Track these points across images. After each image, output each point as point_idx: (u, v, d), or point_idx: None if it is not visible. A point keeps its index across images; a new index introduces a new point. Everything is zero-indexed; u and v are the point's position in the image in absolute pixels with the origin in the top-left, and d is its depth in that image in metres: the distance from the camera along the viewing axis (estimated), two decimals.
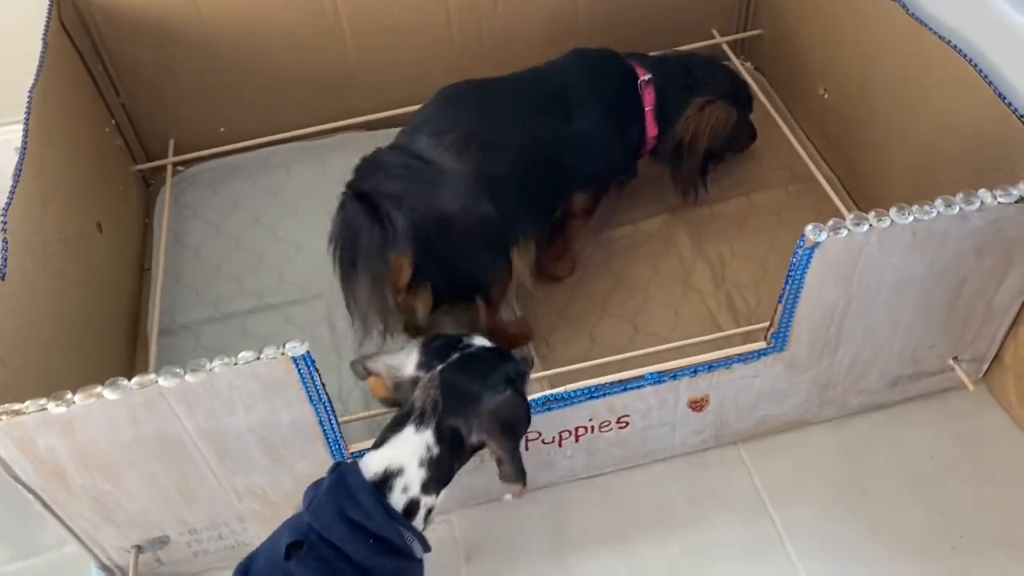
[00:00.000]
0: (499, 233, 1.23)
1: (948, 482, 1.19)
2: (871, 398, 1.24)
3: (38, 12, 1.40)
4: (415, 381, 0.93)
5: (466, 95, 1.31)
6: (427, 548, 0.90)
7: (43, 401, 0.89)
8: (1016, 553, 1.12)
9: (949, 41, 1.19)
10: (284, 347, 0.91)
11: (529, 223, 1.29)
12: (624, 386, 1.08)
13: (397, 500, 0.88)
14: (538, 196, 1.31)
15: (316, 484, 0.90)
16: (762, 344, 1.10)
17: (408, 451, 0.89)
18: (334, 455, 1.05)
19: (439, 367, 0.92)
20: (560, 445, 1.15)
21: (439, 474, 0.89)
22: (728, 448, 1.24)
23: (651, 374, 1.09)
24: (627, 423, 1.15)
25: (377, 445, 0.92)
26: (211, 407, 0.94)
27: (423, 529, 0.90)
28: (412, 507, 0.89)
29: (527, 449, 1.13)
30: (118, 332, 1.41)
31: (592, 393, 1.08)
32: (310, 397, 0.96)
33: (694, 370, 1.10)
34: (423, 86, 1.69)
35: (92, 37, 1.52)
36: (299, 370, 0.93)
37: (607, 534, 1.17)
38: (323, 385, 0.96)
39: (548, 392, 1.06)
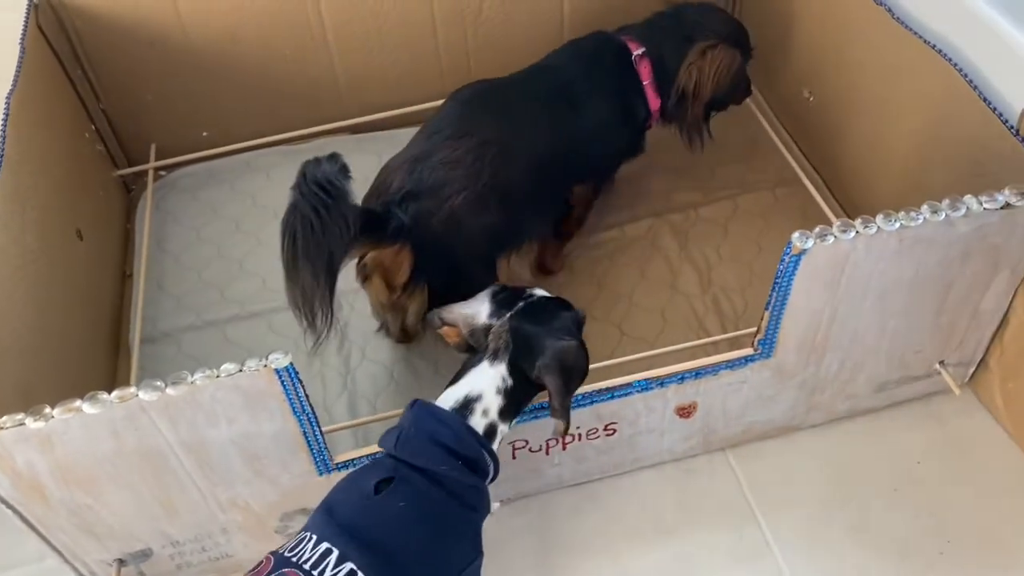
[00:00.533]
0: (501, 244, 1.25)
1: (935, 486, 1.19)
2: (858, 403, 1.24)
3: (16, 17, 1.38)
4: (488, 328, 1.01)
5: (482, 99, 1.29)
6: (498, 471, 0.97)
7: (21, 416, 0.88)
8: (1004, 558, 1.12)
9: (934, 46, 1.19)
10: (267, 359, 0.90)
11: (536, 226, 1.31)
12: (611, 393, 1.08)
13: (478, 423, 0.96)
14: (547, 197, 1.32)
15: (393, 429, 0.94)
16: (749, 350, 1.09)
17: (486, 380, 0.97)
18: (318, 466, 1.04)
19: (508, 315, 1.01)
20: (547, 453, 1.14)
21: (513, 402, 0.98)
22: (716, 454, 1.24)
23: (639, 381, 1.08)
24: (615, 430, 1.14)
25: (454, 381, 1.00)
26: (193, 420, 0.93)
27: (495, 455, 0.97)
28: (491, 431, 0.96)
29: (514, 458, 1.12)
30: (100, 340, 1.39)
31: (579, 401, 1.07)
32: (293, 409, 0.95)
33: (681, 377, 1.09)
34: (407, 90, 1.70)
35: (71, 42, 1.50)
36: (282, 382, 0.91)
37: (595, 541, 1.17)
38: (307, 396, 0.95)
39: (534, 402, 1.06)
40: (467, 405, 0.96)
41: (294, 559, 0.85)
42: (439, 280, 1.18)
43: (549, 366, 0.97)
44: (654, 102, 1.38)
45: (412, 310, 1.21)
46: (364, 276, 1.21)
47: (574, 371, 0.99)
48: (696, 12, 1.40)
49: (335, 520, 0.88)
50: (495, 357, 0.98)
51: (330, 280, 1.03)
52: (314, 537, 0.86)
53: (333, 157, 1.02)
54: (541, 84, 1.34)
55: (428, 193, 1.15)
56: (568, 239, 1.47)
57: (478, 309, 1.03)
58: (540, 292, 1.06)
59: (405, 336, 1.37)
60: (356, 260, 1.19)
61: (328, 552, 0.84)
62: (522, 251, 1.32)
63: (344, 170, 1.02)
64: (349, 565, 0.83)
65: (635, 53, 1.36)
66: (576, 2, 1.64)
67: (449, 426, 0.93)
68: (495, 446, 0.97)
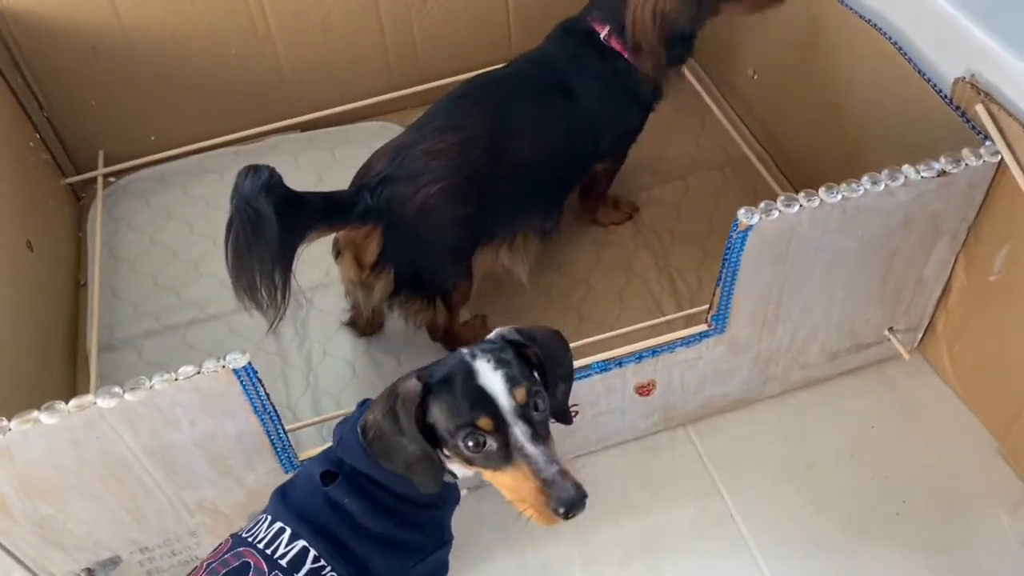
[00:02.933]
0: (476, 238, 1.24)
1: (889, 449, 1.22)
2: (812, 372, 1.27)
3: None
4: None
5: (484, 92, 1.29)
6: (454, 475, 0.93)
7: None
8: (955, 512, 1.16)
9: (870, 20, 1.21)
10: (225, 359, 0.90)
11: (533, 218, 1.32)
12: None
13: None
14: (550, 184, 1.33)
15: (344, 421, 0.94)
16: (703, 327, 1.11)
17: None
18: (283, 464, 1.04)
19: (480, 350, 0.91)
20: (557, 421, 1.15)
21: None
22: (677, 430, 1.26)
23: (597, 363, 1.10)
24: (577, 412, 1.15)
25: None
26: (154, 425, 0.93)
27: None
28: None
29: None
30: (56, 351, 1.37)
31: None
32: (255, 407, 0.95)
33: (639, 356, 1.11)
34: (356, 85, 1.70)
35: (10, 49, 1.48)
36: (241, 382, 0.92)
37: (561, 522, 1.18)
38: (267, 395, 0.95)
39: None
40: None
41: (250, 539, 0.89)
42: (405, 264, 1.19)
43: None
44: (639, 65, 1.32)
45: (378, 290, 1.22)
46: (337, 251, 1.23)
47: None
48: None
49: (289, 503, 0.91)
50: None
51: (270, 277, 1.07)
52: (269, 518, 0.90)
53: (257, 171, 1.04)
54: (538, 75, 1.32)
55: (405, 179, 1.17)
56: (594, 204, 1.49)
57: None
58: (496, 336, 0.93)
59: (372, 322, 1.38)
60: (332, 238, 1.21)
61: (282, 531, 0.88)
62: (515, 245, 1.31)
63: (268, 186, 1.03)
64: (301, 543, 0.87)
65: (602, 33, 1.31)
66: None
67: None
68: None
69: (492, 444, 0.84)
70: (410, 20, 1.64)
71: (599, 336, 1.27)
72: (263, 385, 0.94)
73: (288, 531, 0.88)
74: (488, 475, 0.87)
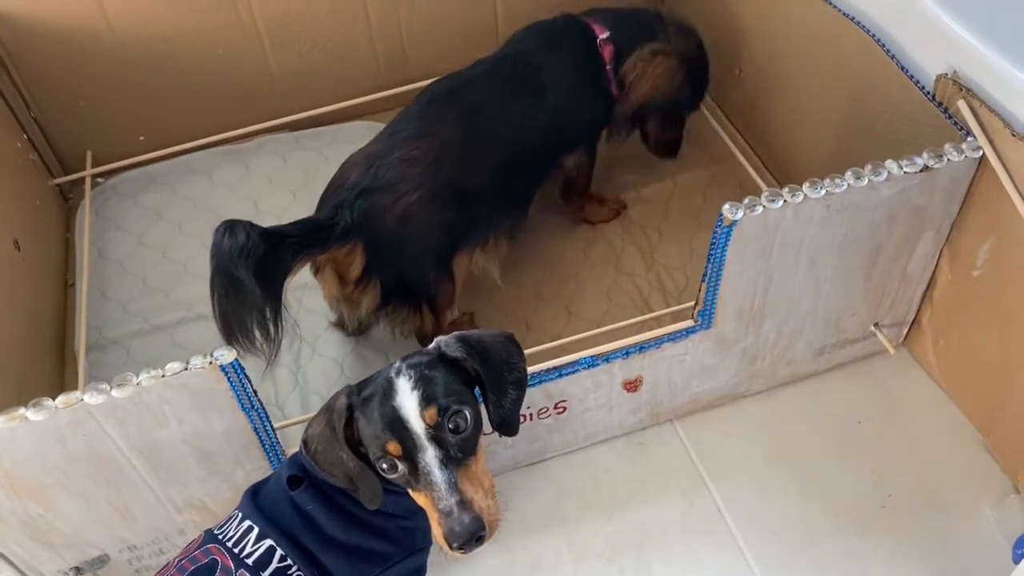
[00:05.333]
0: (457, 241, 1.24)
1: (875, 443, 1.23)
2: (799, 368, 1.27)
3: None
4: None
5: (452, 96, 1.30)
6: None
7: None
8: (940, 505, 1.16)
9: (853, 18, 1.22)
10: (212, 355, 0.91)
11: (504, 219, 1.32)
12: (559, 372, 1.10)
13: None
14: (520, 185, 1.34)
15: (309, 424, 0.93)
16: (690, 322, 1.12)
17: None
18: (271, 461, 1.04)
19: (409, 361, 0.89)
20: (500, 435, 1.15)
21: None
22: (664, 425, 1.27)
23: (584, 359, 1.10)
24: (565, 408, 1.16)
25: None
26: (141, 422, 0.93)
27: None
28: None
29: None
30: (45, 351, 1.37)
31: (529, 381, 1.08)
32: (242, 404, 0.96)
33: (626, 352, 1.12)
34: (345, 85, 1.70)
35: None
36: (229, 378, 0.92)
37: (550, 517, 1.19)
38: (255, 392, 0.95)
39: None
40: None
41: (220, 536, 0.90)
42: (390, 275, 1.19)
43: None
44: (615, 88, 1.39)
45: (365, 304, 1.22)
46: (316, 269, 1.22)
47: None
48: (671, 21, 1.42)
49: (259, 503, 0.91)
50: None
51: (261, 320, 1.09)
52: (239, 515, 0.91)
53: (234, 232, 1.05)
54: (507, 73, 1.34)
55: (383, 189, 1.17)
56: (579, 202, 1.50)
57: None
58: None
59: (360, 330, 1.38)
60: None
61: (250, 529, 0.89)
62: (488, 247, 1.31)
63: (245, 250, 1.04)
64: (268, 541, 0.88)
65: (600, 36, 1.37)
66: None
67: None
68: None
69: (402, 468, 0.83)
70: (398, 20, 1.64)
71: (587, 333, 1.27)
72: (251, 382, 0.94)
73: (256, 530, 0.88)
74: (412, 494, 0.86)
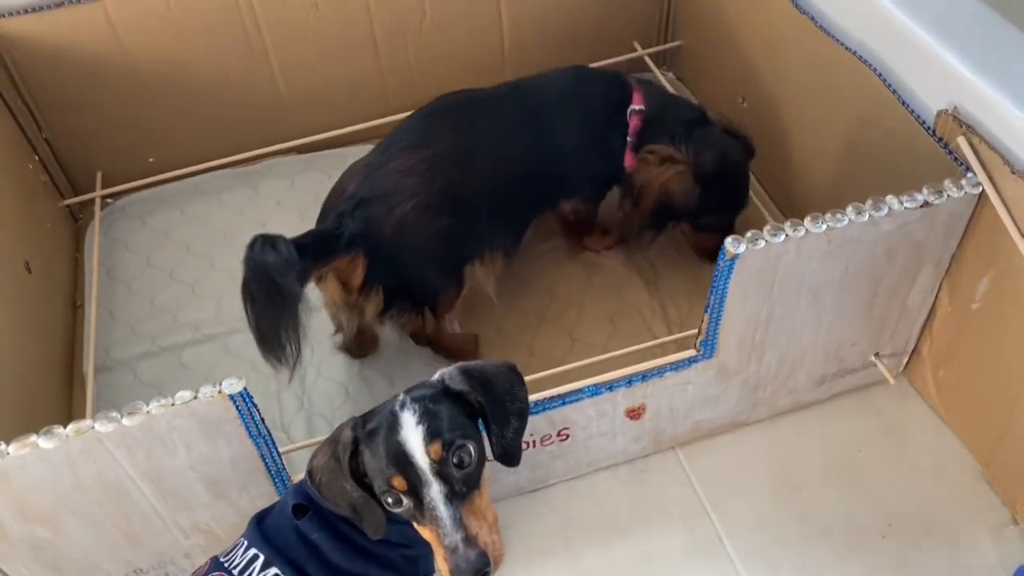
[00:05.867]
0: (456, 248, 1.27)
1: (875, 473, 1.24)
2: (800, 397, 1.29)
3: None
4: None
5: (453, 111, 1.32)
6: None
7: None
8: (940, 537, 1.17)
9: (855, 52, 1.24)
10: (221, 385, 0.92)
11: (499, 236, 1.34)
12: (563, 400, 1.11)
13: None
14: (514, 209, 1.35)
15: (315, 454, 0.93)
16: (692, 352, 1.13)
17: None
18: (277, 487, 1.06)
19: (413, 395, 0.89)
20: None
21: None
22: (667, 453, 1.28)
23: (588, 387, 1.11)
24: (568, 435, 1.17)
25: None
26: (151, 449, 0.94)
27: None
28: None
29: None
30: (53, 372, 1.39)
31: (532, 408, 1.10)
32: (249, 432, 0.97)
33: (629, 380, 1.13)
34: (353, 107, 1.72)
35: (9, 72, 1.50)
36: (237, 407, 0.93)
37: (553, 544, 1.20)
38: (263, 420, 0.97)
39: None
40: None
41: (226, 563, 0.90)
42: (392, 282, 1.22)
43: None
44: (630, 159, 1.36)
45: (368, 310, 1.25)
46: (318, 277, 1.23)
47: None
48: (713, 128, 1.36)
49: (264, 530, 0.92)
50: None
51: (288, 327, 1.11)
52: (245, 543, 0.92)
53: (275, 246, 1.06)
54: (520, 101, 1.34)
55: (379, 199, 1.19)
56: (578, 237, 1.52)
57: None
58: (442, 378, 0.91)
59: (360, 344, 1.40)
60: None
61: (255, 558, 0.90)
62: (485, 261, 1.32)
63: (290, 263, 1.07)
64: (273, 570, 0.89)
65: (634, 106, 1.34)
66: (515, 17, 1.68)
67: None
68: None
69: (408, 503, 0.84)
70: (406, 45, 1.66)
71: (590, 359, 1.28)
72: (258, 410, 0.96)
73: (261, 558, 0.89)
74: (416, 527, 0.87)
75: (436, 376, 0.91)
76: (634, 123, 1.34)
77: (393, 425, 0.84)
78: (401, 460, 0.83)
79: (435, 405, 0.86)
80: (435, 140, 1.27)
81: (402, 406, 0.86)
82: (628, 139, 1.35)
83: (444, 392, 0.89)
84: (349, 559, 0.91)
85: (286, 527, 0.91)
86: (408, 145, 1.25)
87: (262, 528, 0.92)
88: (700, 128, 1.34)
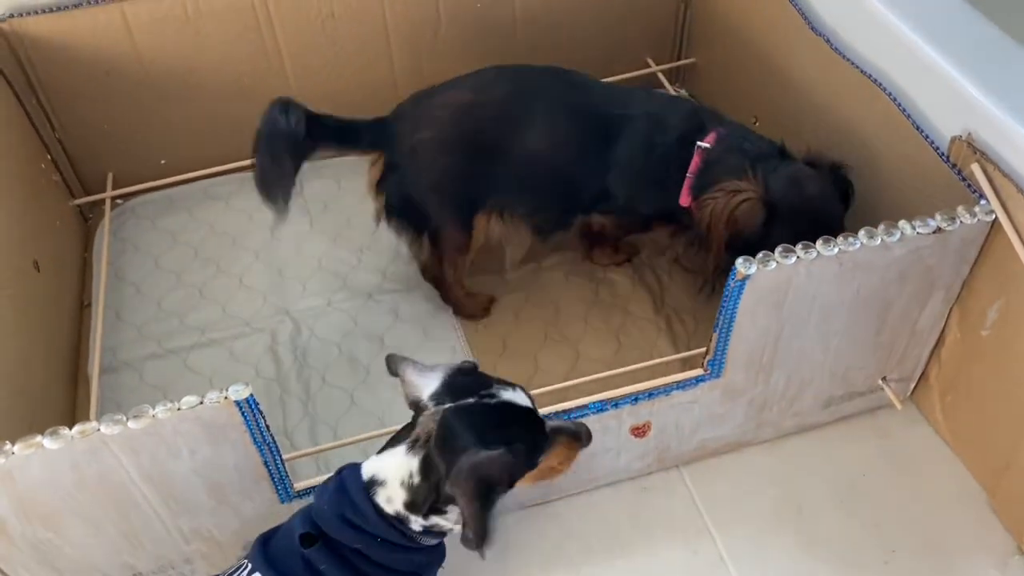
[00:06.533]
0: (463, 189, 1.33)
1: (880, 497, 1.23)
2: (805, 418, 1.28)
3: None
4: (421, 408, 0.90)
5: (520, 80, 1.35)
6: (437, 537, 0.92)
7: None
8: (943, 565, 1.16)
9: (871, 75, 1.24)
10: (227, 391, 0.92)
11: (522, 204, 1.37)
12: (568, 415, 1.11)
13: (385, 506, 0.89)
14: (545, 190, 1.36)
15: (324, 485, 0.92)
16: (700, 371, 1.13)
17: (394, 468, 0.88)
18: (280, 494, 1.05)
19: (449, 405, 0.88)
20: None
21: (417, 500, 0.87)
22: (671, 471, 1.27)
23: (594, 403, 1.11)
24: None
25: (381, 450, 0.92)
26: (155, 452, 0.94)
27: (423, 530, 0.90)
28: (403, 517, 0.89)
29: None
30: (59, 371, 1.39)
31: None
32: (254, 439, 0.97)
33: (635, 398, 1.12)
34: (366, 116, 1.72)
35: (25, 72, 1.50)
36: (243, 413, 0.93)
37: (554, 560, 1.19)
38: (267, 427, 0.96)
39: None
40: (371, 486, 0.89)
41: None
42: (394, 195, 1.35)
43: (460, 486, 0.83)
44: (685, 197, 1.28)
45: (376, 208, 1.38)
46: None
47: (490, 486, 0.85)
48: (790, 161, 1.26)
49: (268, 556, 0.90)
50: (413, 446, 0.88)
51: (283, 183, 1.29)
52: (249, 566, 0.90)
53: (287, 111, 1.24)
54: (587, 100, 1.33)
55: (410, 120, 1.32)
56: (589, 254, 1.52)
57: (426, 382, 0.91)
58: (507, 394, 0.90)
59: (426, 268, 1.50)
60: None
61: None
62: (505, 219, 1.37)
63: (289, 131, 1.25)
64: None
65: (703, 144, 1.26)
66: (529, 29, 1.68)
67: (358, 507, 0.88)
68: (414, 526, 0.89)
69: None
70: (420, 54, 1.67)
71: (595, 375, 1.28)
72: (264, 417, 0.95)
73: None
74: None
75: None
76: (696, 160, 1.26)
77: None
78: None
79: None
80: (486, 94, 1.33)
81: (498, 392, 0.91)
82: (688, 175, 1.27)
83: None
84: None
85: (292, 554, 0.89)
86: (460, 88, 1.33)
87: (267, 552, 0.90)
88: (773, 160, 1.24)
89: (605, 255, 1.53)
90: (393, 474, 0.88)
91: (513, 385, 0.92)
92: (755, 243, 1.13)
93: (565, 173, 1.34)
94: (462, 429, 0.86)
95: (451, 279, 1.44)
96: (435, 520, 0.89)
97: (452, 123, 1.30)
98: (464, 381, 0.90)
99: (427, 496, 0.87)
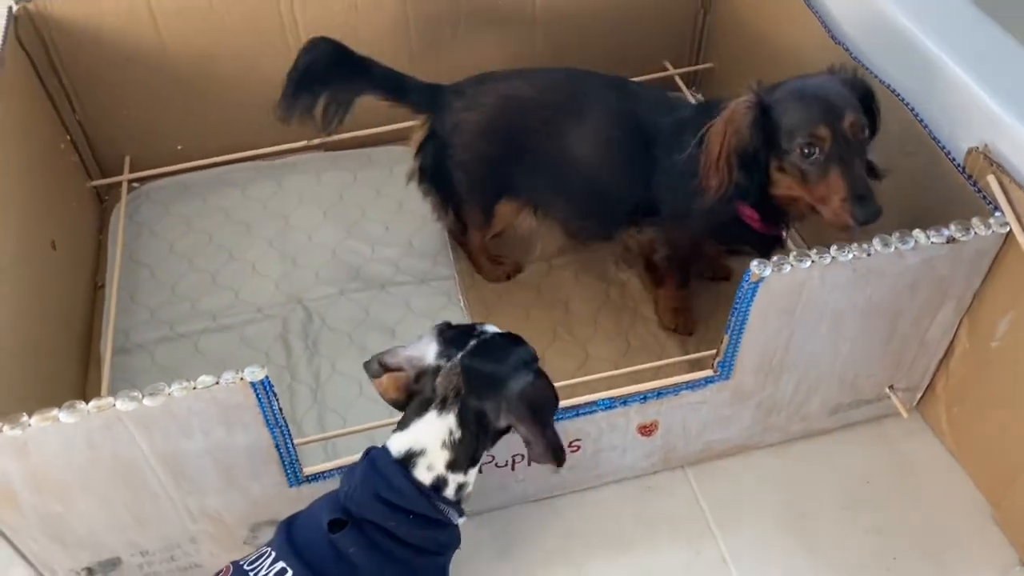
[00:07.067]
0: (490, 174, 1.37)
1: (883, 505, 1.24)
2: (812, 424, 1.29)
3: None
4: (436, 370, 0.93)
5: (576, 82, 1.35)
6: (462, 514, 0.95)
7: None
8: (945, 573, 1.17)
9: (890, 86, 1.25)
10: (243, 372, 0.93)
11: (549, 201, 1.39)
12: (576, 411, 1.11)
13: (423, 476, 0.91)
14: (578, 194, 1.37)
15: (351, 469, 0.94)
16: (709, 372, 1.14)
17: (431, 434, 0.91)
18: (289, 478, 1.06)
19: (459, 355, 0.92)
20: (513, 469, 1.17)
21: (464, 454, 0.92)
22: (676, 471, 1.28)
23: (603, 400, 1.12)
24: (579, 447, 1.17)
25: (401, 427, 0.94)
26: (168, 431, 0.95)
27: (455, 500, 0.93)
28: (440, 482, 0.92)
29: (480, 472, 1.15)
30: (71, 350, 1.40)
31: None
32: (267, 421, 0.97)
33: (644, 396, 1.13)
34: (382, 110, 1.71)
35: (49, 54, 1.52)
36: (257, 395, 0.94)
37: (557, 555, 1.20)
38: (280, 409, 0.97)
39: None
40: (410, 459, 0.91)
41: (251, 572, 0.88)
42: (429, 163, 1.40)
43: (518, 413, 0.90)
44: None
45: (413, 168, 1.43)
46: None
47: (545, 406, 0.93)
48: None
49: (294, 543, 0.90)
50: (443, 406, 0.91)
51: (300, 105, 1.35)
52: (273, 554, 0.90)
53: (320, 46, 1.35)
54: (633, 112, 1.30)
55: (463, 97, 1.35)
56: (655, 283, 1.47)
57: (425, 350, 0.95)
58: (491, 328, 0.97)
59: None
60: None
61: (284, 572, 0.88)
62: (538, 216, 1.41)
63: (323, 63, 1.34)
64: None
65: None
66: (548, 30, 1.69)
67: (393, 484, 0.89)
68: (449, 493, 0.92)
69: None
70: (438, 50, 1.68)
71: (604, 373, 1.29)
72: (277, 399, 0.96)
73: (290, 573, 0.87)
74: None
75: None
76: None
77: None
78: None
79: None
80: (545, 94, 1.34)
81: None
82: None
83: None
84: (383, 573, 0.90)
85: (318, 541, 0.89)
86: (523, 80, 1.35)
87: (292, 540, 0.90)
88: None
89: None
90: (432, 439, 0.91)
91: (481, 323, 0.99)
92: (754, 152, 1.11)
93: (605, 187, 1.34)
94: (488, 367, 0.91)
95: (474, 246, 1.51)
96: (470, 478, 0.93)
97: (499, 112, 1.34)
98: (454, 333, 0.95)
99: (471, 446, 0.91)
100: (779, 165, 1.12)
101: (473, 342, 0.93)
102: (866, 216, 1.07)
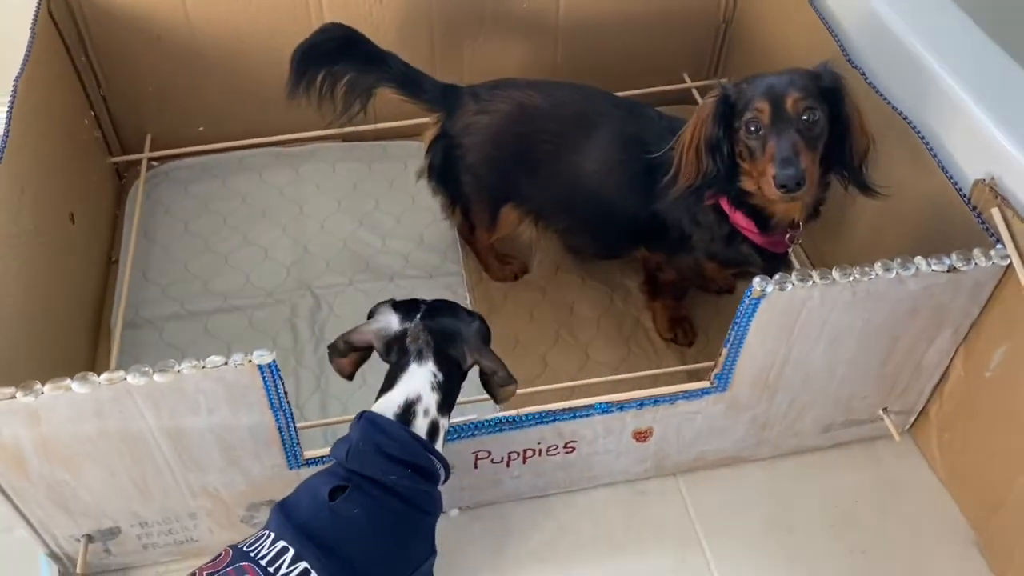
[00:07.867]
0: (494, 179, 1.40)
1: (869, 525, 1.26)
2: (804, 441, 1.31)
3: (28, 2, 1.42)
4: (403, 333, 1.04)
5: (597, 107, 1.36)
6: (448, 472, 1.01)
7: (11, 390, 0.92)
8: None
9: (902, 113, 1.26)
10: (252, 354, 0.95)
11: (559, 220, 1.41)
12: (574, 413, 1.14)
13: (421, 425, 0.99)
14: (581, 212, 1.39)
15: (343, 439, 0.98)
16: (706, 383, 1.16)
17: (419, 381, 1.00)
18: (289, 460, 1.09)
19: (418, 316, 1.04)
20: (508, 465, 1.19)
21: (447, 395, 1.02)
22: (667, 479, 1.30)
23: (600, 404, 1.14)
24: (574, 448, 1.20)
25: (386, 389, 1.02)
26: (175, 407, 0.97)
27: (442, 457, 1.00)
28: (433, 429, 1.00)
29: (476, 467, 1.18)
30: (82, 322, 1.42)
31: (542, 418, 1.13)
32: (272, 403, 1.00)
33: (641, 403, 1.15)
34: (402, 104, 1.73)
35: (79, 30, 1.55)
36: (264, 378, 0.96)
37: (546, 553, 1.22)
38: (285, 393, 1.00)
39: (500, 414, 1.11)
40: (409, 408, 0.99)
41: (252, 554, 0.90)
42: (438, 161, 1.42)
43: (479, 345, 1.04)
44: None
45: (422, 164, 1.46)
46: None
47: (489, 340, 1.08)
48: None
49: (292, 521, 0.92)
50: (420, 357, 1.01)
51: (311, 87, 1.39)
52: (272, 535, 0.91)
53: (333, 31, 1.38)
54: (639, 135, 1.31)
55: (478, 101, 1.37)
56: (651, 296, 1.49)
57: (387, 321, 1.05)
58: (431, 299, 1.11)
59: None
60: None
61: (284, 550, 0.89)
62: (539, 227, 1.43)
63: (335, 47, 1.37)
64: (303, 564, 0.88)
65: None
66: (569, 38, 1.71)
67: (393, 436, 0.95)
68: (439, 445, 1.00)
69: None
70: (462, 49, 1.70)
71: (602, 378, 1.31)
72: (283, 383, 0.99)
73: (291, 551, 0.88)
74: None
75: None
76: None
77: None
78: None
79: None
80: (556, 108, 1.35)
81: None
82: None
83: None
84: (391, 531, 0.94)
85: (318, 514, 0.92)
86: (536, 90, 1.37)
87: (290, 518, 0.92)
88: None
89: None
90: (422, 384, 1.00)
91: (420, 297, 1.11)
92: (717, 141, 1.14)
93: (605, 208, 1.35)
94: (444, 321, 1.04)
95: (481, 245, 1.54)
96: (448, 422, 1.03)
97: (510, 119, 1.35)
98: (407, 303, 1.08)
99: (451, 387, 1.02)
100: (739, 151, 1.15)
101: (424, 307, 1.06)
102: (784, 178, 1.06)
